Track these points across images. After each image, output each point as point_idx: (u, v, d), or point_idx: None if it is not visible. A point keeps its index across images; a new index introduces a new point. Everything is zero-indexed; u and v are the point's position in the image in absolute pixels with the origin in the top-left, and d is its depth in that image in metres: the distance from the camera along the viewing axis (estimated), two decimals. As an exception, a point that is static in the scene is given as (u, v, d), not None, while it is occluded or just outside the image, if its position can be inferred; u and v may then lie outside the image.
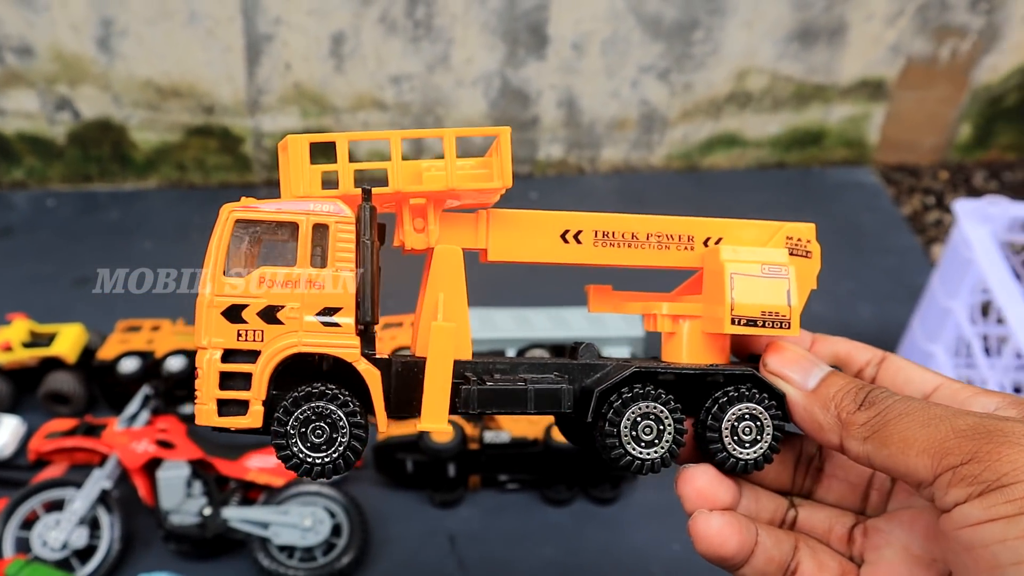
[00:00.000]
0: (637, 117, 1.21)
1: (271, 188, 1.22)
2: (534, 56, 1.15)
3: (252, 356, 0.35)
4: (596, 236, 0.41)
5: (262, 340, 0.35)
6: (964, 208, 0.82)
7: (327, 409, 0.35)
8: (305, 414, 0.35)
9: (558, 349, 0.87)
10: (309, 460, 0.35)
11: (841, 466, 0.38)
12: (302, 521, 0.75)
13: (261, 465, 0.79)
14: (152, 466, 0.78)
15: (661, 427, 0.37)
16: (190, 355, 0.86)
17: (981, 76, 1.21)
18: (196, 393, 0.36)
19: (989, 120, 1.25)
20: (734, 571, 0.36)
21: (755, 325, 0.38)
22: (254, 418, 0.35)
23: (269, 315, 0.35)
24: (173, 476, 0.76)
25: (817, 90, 1.20)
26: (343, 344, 0.36)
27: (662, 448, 0.37)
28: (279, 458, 0.36)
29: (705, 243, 0.42)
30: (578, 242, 0.41)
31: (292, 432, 0.35)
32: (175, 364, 0.86)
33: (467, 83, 1.17)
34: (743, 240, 0.41)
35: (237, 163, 1.22)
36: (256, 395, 0.35)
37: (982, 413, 0.31)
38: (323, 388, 0.36)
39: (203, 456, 0.79)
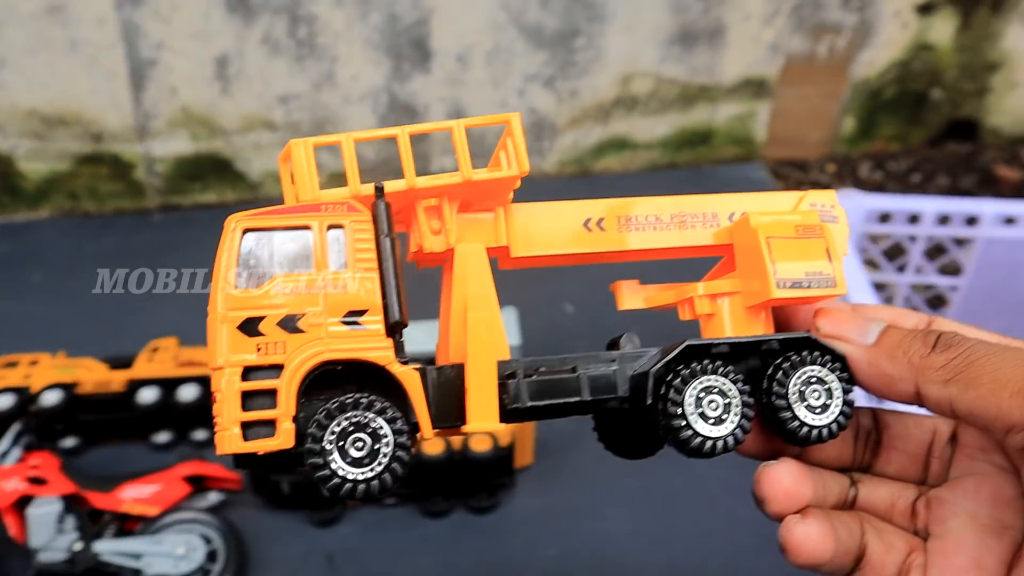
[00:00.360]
0: (527, 125, 1.22)
1: (167, 213, 1.22)
2: (419, 70, 1.16)
3: (274, 371, 0.32)
4: (619, 222, 0.39)
5: (284, 352, 0.32)
6: (816, 205, 0.84)
7: (366, 418, 0.32)
8: (342, 426, 0.32)
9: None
10: (352, 477, 0.31)
11: (899, 436, 0.36)
12: (175, 550, 0.76)
13: (135, 495, 0.80)
14: (24, 503, 0.78)
15: (727, 401, 0.34)
16: (67, 387, 0.86)
17: (859, 71, 1.24)
18: (215, 420, 0.32)
19: (871, 113, 1.28)
20: (817, 571, 0.34)
21: (801, 287, 0.36)
22: (285, 437, 0.31)
23: (289, 324, 0.32)
24: (43, 512, 0.76)
25: (702, 91, 1.22)
26: (374, 347, 0.33)
27: (731, 423, 0.34)
28: (317, 480, 0.31)
29: (729, 219, 0.40)
30: (602, 229, 0.39)
31: (329, 448, 0.31)
32: (51, 398, 0.85)
33: (355, 99, 1.18)
34: (767, 211, 0.38)
35: (130, 189, 1.21)
36: (285, 412, 0.31)
37: None
38: (358, 397, 0.32)
39: (76, 490, 0.79)
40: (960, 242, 0.89)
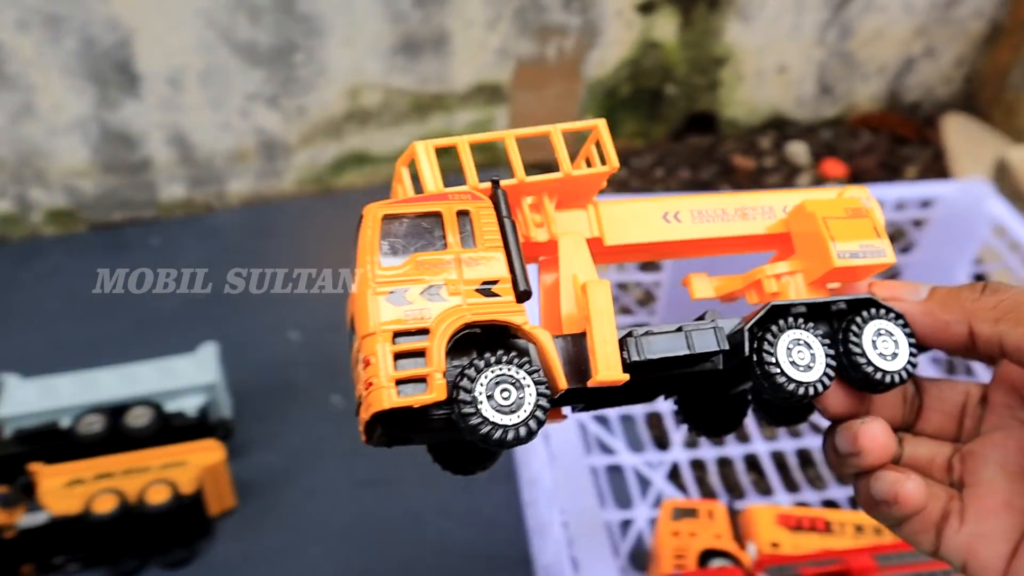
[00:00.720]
0: (256, 146, 1.17)
1: None
2: (129, 96, 1.09)
3: (420, 335, 0.35)
4: (692, 215, 0.44)
5: (429, 317, 0.35)
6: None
7: (510, 370, 0.35)
8: (489, 377, 0.34)
9: (119, 410, 0.82)
10: (501, 423, 0.34)
11: (937, 398, 0.40)
12: None
13: None
14: None
15: (812, 351, 0.38)
16: None
17: (592, 71, 1.25)
18: (370, 380, 0.35)
19: (610, 111, 1.29)
20: (901, 520, 0.38)
21: (857, 257, 0.40)
22: (438, 391, 0.34)
23: (432, 292, 0.36)
24: None
25: (435, 99, 1.20)
26: (510, 311, 0.36)
27: (819, 370, 0.38)
28: (469, 428, 0.34)
29: (784, 211, 0.44)
30: (679, 221, 0.43)
31: (480, 397, 0.34)
32: None
33: (61, 131, 1.10)
34: (818, 200, 0.43)
35: None
36: (437, 367, 0.34)
37: None
38: (501, 353, 0.35)
39: None
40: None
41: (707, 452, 0.89)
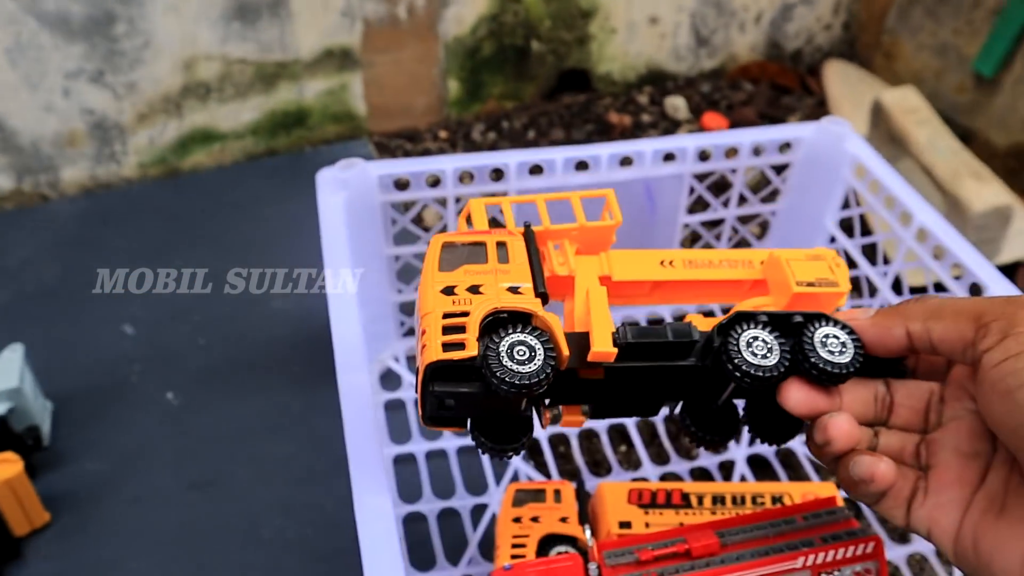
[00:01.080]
0: (86, 128, 1.08)
1: None
2: (-69, 79, 0.99)
3: (463, 316, 0.45)
4: (684, 262, 0.54)
5: (470, 304, 0.46)
6: (323, 178, 0.76)
7: (524, 337, 0.45)
8: (508, 342, 0.44)
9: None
10: (518, 371, 0.43)
11: (907, 395, 0.47)
12: None
13: None
14: None
15: (769, 345, 0.46)
16: None
17: (449, 30, 1.18)
18: (424, 343, 0.45)
19: (473, 72, 1.22)
20: (876, 497, 0.45)
21: (813, 286, 0.51)
22: (471, 349, 0.44)
23: (473, 289, 0.47)
24: None
25: (280, 68, 1.12)
26: (529, 303, 0.46)
27: (774, 359, 0.46)
28: (493, 377, 0.43)
29: (760, 263, 0.54)
30: (672, 266, 0.53)
31: (502, 354, 0.44)
32: None
33: None
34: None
35: None
36: (471, 336, 0.44)
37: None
38: (520, 327, 0.45)
39: None
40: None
41: (572, 429, 0.84)
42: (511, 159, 0.80)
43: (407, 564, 0.72)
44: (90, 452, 0.81)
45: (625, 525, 0.65)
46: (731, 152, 0.86)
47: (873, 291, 0.86)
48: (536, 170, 0.81)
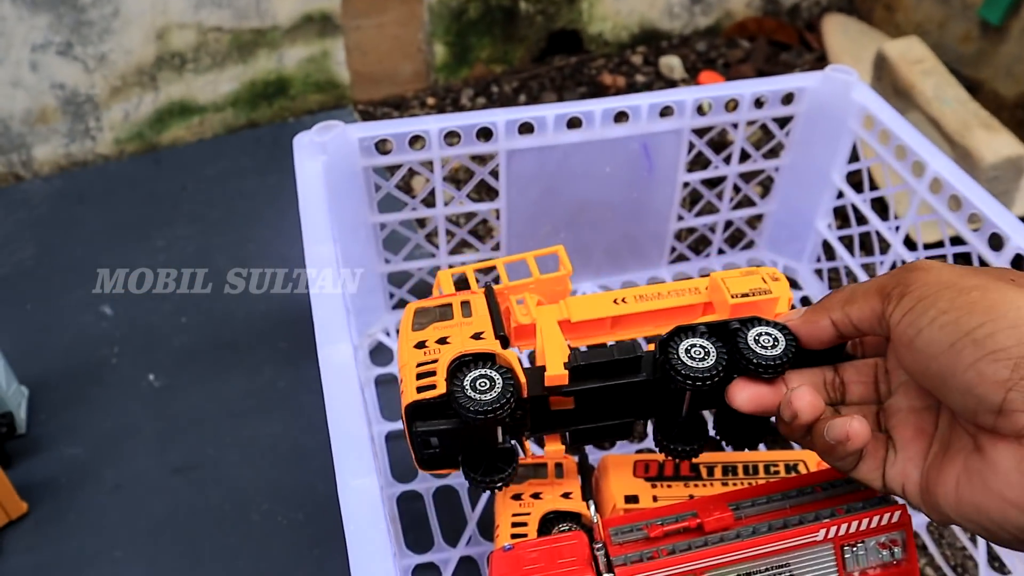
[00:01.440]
0: (57, 104, 1.03)
1: None
2: None
3: (433, 362, 0.52)
4: (636, 298, 0.58)
5: (439, 354, 0.52)
6: (300, 142, 0.72)
7: (486, 372, 0.50)
8: (471, 376, 0.50)
9: None
10: (481, 401, 0.49)
11: (855, 373, 0.50)
12: None
13: None
14: None
15: (707, 350, 0.50)
16: None
17: (433, -9, 1.13)
18: (403, 390, 0.51)
19: (460, 36, 1.17)
20: (848, 458, 0.47)
21: (747, 296, 0.55)
22: (441, 387, 0.50)
23: (442, 341, 0.53)
24: None
25: (257, 36, 1.07)
26: (490, 345, 0.52)
27: (711, 360, 0.50)
28: (460, 407, 0.49)
29: (706, 288, 0.58)
30: (625, 302, 0.57)
31: (467, 387, 0.50)
32: None
33: None
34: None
35: None
36: (441, 377, 0.50)
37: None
38: (480, 364, 0.51)
39: None
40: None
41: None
42: (499, 117, 0.75)
43: (402, 546, 0.68)
44: (68, 438, 0.78)
45: (631, 499, 0.61)
46: (731, 105, 0.81)
47: (885, 247, 0.82)
48: (526, 129, 0.77)
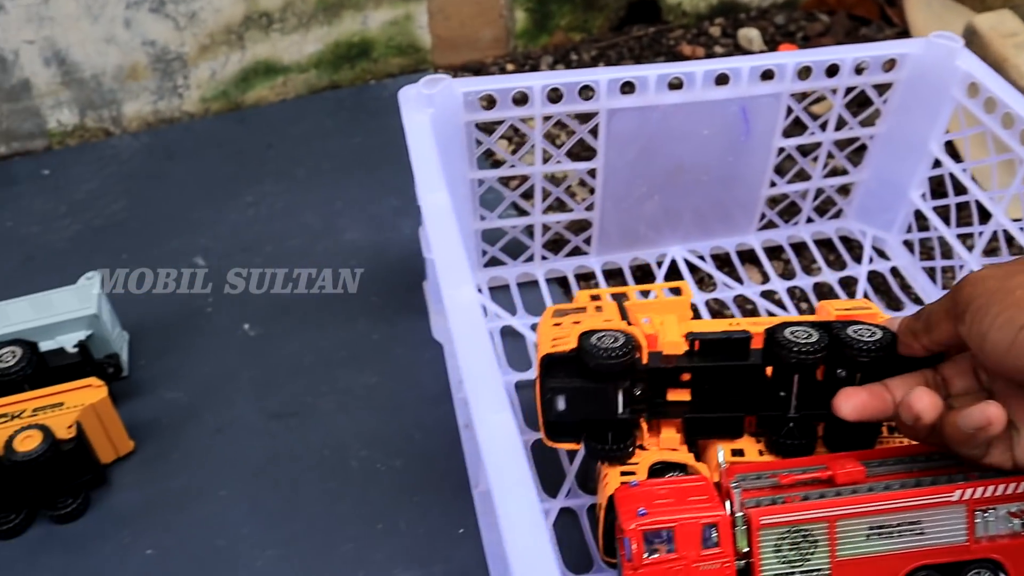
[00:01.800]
0: (148, 61, 1.05)
1: None
2: (-8, 8, 0.96)
3: (566, 336, 0.59)
4: (750, 324, 0.61)
5: (572, 329, 0.59)
6: (406, 95, 0.72)
7: (612, 333, 0.57)
8: (598, 335, 0.57)
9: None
10: (605, 349, 0.55)
11: (953, 369, 0.53)
12: None
13: None
14: None
15: (810, 333, 0.57)
16: None
17: (517, -44, 1.13)
18: (539, 352, 0.58)
19: (540, 3, 1.17)
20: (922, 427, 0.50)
21: (849, 311, 0.63)
22: (573, 342, 0.57)
23: (576, 323, 0.61)
24: None
25: (344, -3, 1.08)
26: (615, 323, 0.61)
27: (815, 338, 0.56)
28: (585, 357, 0.55)
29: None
30: (739, 326, 0.61)
31: (594, 341, 0.56)
32: None
33: (-81, 53, 0.97)
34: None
35: None
36: (572, 339, 0.57)
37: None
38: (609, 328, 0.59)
39: None
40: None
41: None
42: (602, 76, 0.75)
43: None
44: (169, 382, 0.79)
45: (737, 452, 0.62)
46: (832, 70, 0.81)
47: (985, 216, 0.81)
48: (627, 89, 0.77)
